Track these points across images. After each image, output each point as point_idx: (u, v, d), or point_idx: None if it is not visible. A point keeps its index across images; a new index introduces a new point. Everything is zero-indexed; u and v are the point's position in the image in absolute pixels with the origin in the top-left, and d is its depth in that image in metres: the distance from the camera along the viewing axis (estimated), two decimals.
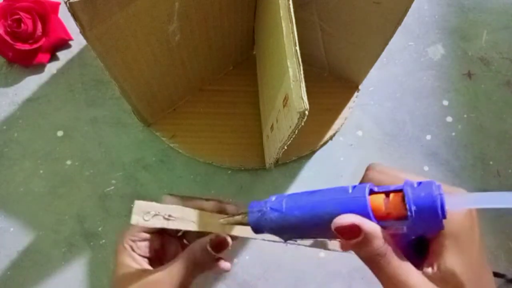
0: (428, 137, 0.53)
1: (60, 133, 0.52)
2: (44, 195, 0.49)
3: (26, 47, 0.52)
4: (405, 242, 0.26)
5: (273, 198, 0.29)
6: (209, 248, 0.34)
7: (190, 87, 0.51)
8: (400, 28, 0.41)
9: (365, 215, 0.25)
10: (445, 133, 0.54)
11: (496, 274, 0.46)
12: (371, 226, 0.24)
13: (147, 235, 0.37)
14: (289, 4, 0.33)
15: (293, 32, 0.32)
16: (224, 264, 0.38)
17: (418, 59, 0.57)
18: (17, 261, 0.47)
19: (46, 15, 0.53)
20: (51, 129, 0.52)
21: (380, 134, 0.53)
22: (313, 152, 0.52)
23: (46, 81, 0.54)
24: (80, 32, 0.32)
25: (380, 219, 0.25)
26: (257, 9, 0.46)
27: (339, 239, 0.26)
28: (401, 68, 0.57)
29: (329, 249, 0.36)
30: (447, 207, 0.23)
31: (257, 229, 0.30)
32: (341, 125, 0.53)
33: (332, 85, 0.54)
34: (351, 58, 0.50)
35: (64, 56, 0.55)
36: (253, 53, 0.56)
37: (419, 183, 0.24)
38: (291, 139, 0.35)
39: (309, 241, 0.36)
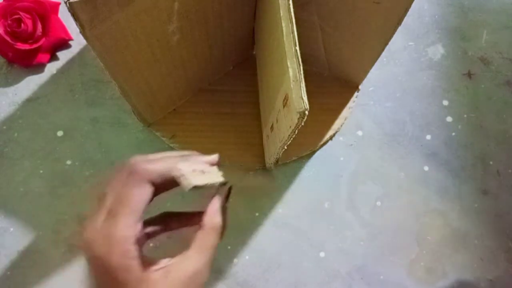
0: (428, 137, 0.53)
1: (60, 133, 0.52)
2: (44, 195, 0.49)
3: (26, 47, 0.52)
4: None
5: None
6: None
7: (190, 87, 0.51)
8: (400, 28, 0.41)
9: None
10: (445, 133, 0.54)
11: None
12: None
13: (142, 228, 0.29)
14: (289, 4, 0.33)
15: (293, 32, 0.32)
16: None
17: (418, 59, 0.57)
18: (17, 261, 0.47)
19: (46, 15, 0.53)
20: (51, 129, 0.52)
21: (380, 134, 0.53)
22: (313, 152, 0.52)
23: (46, 81, 0.54)
24: (80, 32, 0.32)
25: None
26: (257, 9, 0.46)
27: None
28: (401, 68, 0.57)
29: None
30: None
31: None
32: (341, 125, 0.53)
33: (332, 85, 0.54)
34: (351, 58, 0.50)
35: (64, 56, 0.55)
36: (253, 53, 0.56)
37: None
38: (291, 139, 0.35)
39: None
